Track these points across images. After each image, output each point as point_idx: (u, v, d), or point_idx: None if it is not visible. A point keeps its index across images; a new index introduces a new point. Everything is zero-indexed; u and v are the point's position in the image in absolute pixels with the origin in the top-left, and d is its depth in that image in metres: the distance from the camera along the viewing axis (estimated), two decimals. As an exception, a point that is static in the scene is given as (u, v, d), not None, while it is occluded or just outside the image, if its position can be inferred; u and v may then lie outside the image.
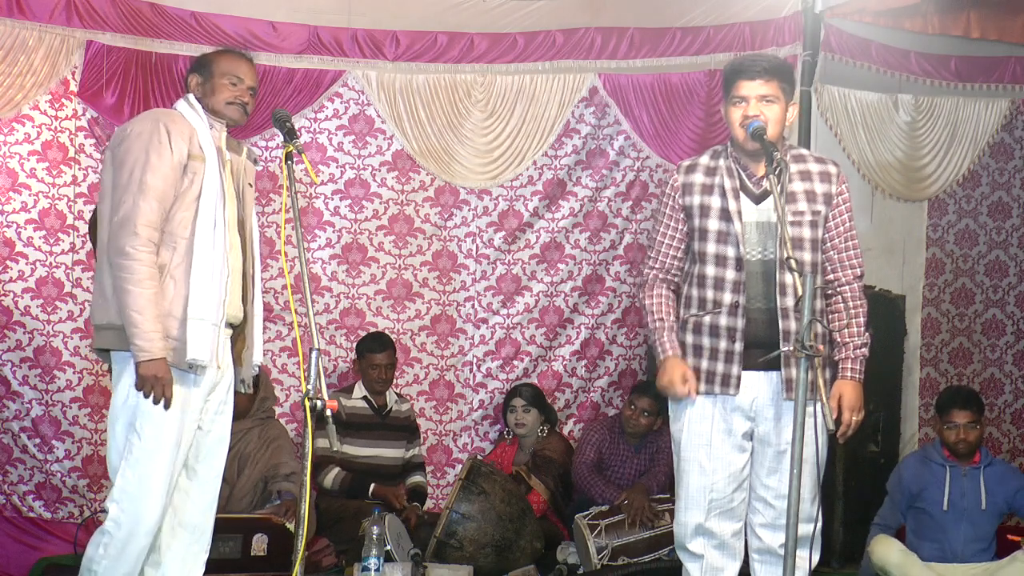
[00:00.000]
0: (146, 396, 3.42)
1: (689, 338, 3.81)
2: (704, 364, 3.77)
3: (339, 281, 6.10)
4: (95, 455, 5.62)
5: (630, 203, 6.25)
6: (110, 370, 3.69)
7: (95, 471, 5.62)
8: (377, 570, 4.58)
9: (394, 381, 5.97)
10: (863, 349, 3.78)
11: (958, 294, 6.49)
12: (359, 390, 5.84)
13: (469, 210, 6.20)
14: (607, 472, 5.71)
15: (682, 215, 3.84)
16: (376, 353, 5.80)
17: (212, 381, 3.61)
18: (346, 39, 5.91)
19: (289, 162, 3.44)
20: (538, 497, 5.70)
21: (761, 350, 3.69)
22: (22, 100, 5.46)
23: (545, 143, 6.14)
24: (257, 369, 3.82)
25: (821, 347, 3.43)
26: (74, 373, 5.62)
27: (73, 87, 5.59)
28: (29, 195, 5.57)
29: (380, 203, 6.13)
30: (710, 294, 3.76)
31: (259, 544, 4.82)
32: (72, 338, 5.61)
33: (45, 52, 5.46)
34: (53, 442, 5.58)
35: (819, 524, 3.69)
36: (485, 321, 6.24)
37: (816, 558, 3.71)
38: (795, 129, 5.72)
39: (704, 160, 3.86)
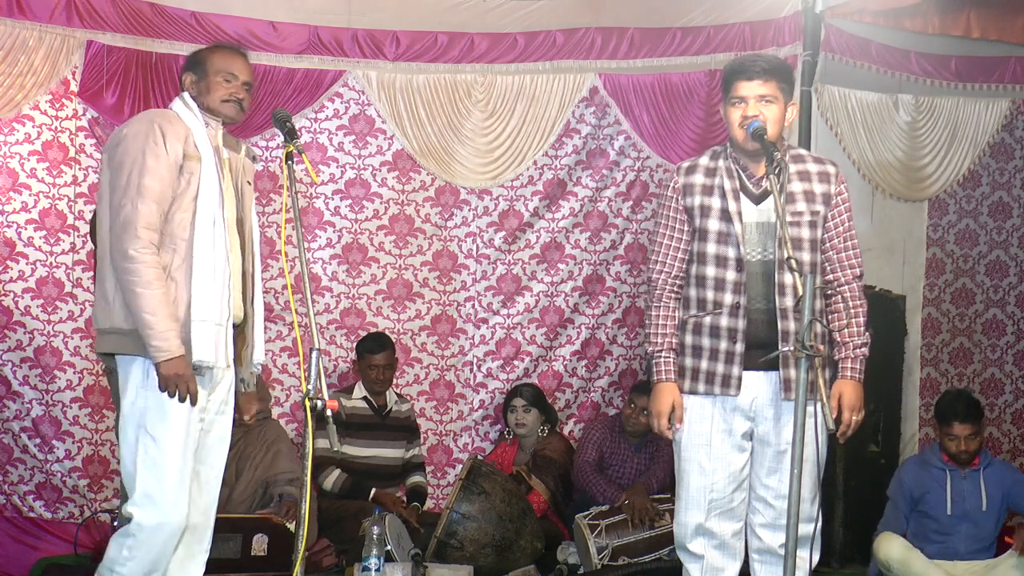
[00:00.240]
0: (171, 396, 3.41)
1: (689, 339, 3.81)
2: (704, 365, 3.77)
3: (339, 281, 6.10)
4: (95, 455, 5.63)
5: (630, 203, 6.25)
6: (108, 371, 3.69)
7: (95, 471, 5.63)
8: (377, 570, 4.58)
9: (394, 381, 5.98)
10: (863, 349, 3.78)
11: (958, 294, 6.49)
12: (359, 390, 5.84)
13: (469, 210, 6.20)
14: (608, 471, 5.71)
15: (685, 216, 3.83)
16: (374, 354, 5.80)
17: (215, 380, 3.61)
18: (346, 39, 5.91)
19: (289, 162, 3.43)
20: (538, 497, 5.70)
21: (761, 351, 3.69)
22: (22, 100, 5.46)
23: (545, 143, 6.14)
24: (259, 368, 3.81)
25: (821, 347, 3.43)
26: (74, 373, 5.62)
27: (73, 87, 5.59)
28: (29, 195, 5.57)
29: (380, 203, 6.13)
30: (710, 295, 3.76)
31: (259, 544, 4.82)
32: (72, 338, 5.61)
33: (45, 52, 5.46)
34: (53, 442, 5.58)
35: (819, 524, 3.69)
36: (485, 321, 6.24)
37: (816, 558, 3.70)
38: (795, 129, 5.72)
39: (704, 161, 3.86)
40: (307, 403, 3.13)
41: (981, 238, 6.52)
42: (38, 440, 5.57)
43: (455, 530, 5.13)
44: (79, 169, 5.62)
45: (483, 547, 5.15)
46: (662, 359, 3.81)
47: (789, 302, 3.66)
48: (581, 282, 6.27)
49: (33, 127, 5.57)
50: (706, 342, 3.76)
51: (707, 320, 3.76)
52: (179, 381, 3.40)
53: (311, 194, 6.05)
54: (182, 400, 3.42)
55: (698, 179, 3.81)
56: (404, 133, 6.06)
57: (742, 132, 3.67)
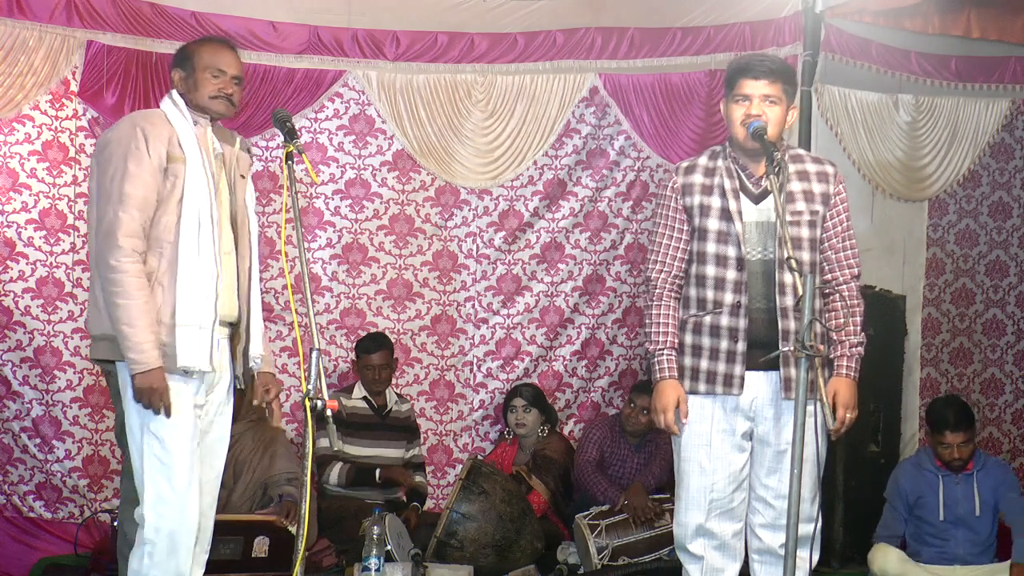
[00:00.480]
0: (145, 408, 3.41)
1: (689, 338, 3.81)
2: (704, 364, 3.77)
3: (339, 281, 6.10)
4: (95, 455, 5.63)
5: (630, 203, 6.25)
6: (106, 373, 3.69)
7: (95, 471, 5.63)
8: (377, 570, 4.58)
9: (394, 381, 5.98)
10: (859, 348, 3.79)
11: (958, 294, 6.49)
12: (359, 390, 5.84)
13: (469, 210, 6.20)
14: (608, 471, 5.72)
15: (684, 216, 3.83)
16: (370, 353, 5.80)
17: (210, 381, 3.61)
18: (346, 39, 5.91)
19: (289, 162, 3.41)
20: (538, 497, 5.70)
21: (761, 350, 3.69)
22: (22, 100, 5.46)
23: (545, 143, 6.14)
24: (258, 362, 3.77)
25: (821, 347, 3.43)
26: (74, 373, 5.62)
27: (73, 87, 5.59)
28: (29, 195, 5.57)
29: (380, 203, 6.13)
30: (710, 294, 3.76)
31: (260, 546, 4.82)
32: (72, 338, 5.61)
33: (45, 52, 5.46)
34: (53, 442, 5.57)
35: (819, 524, 3.70)
36: (485, 321, 6.24)
37: (816, 558, 3.71)
38: (795, 129, 5.73)
39: (702, 161, 3.86)
40: (307, 403, 3.13)
41: (981, 238, 6.52)
42: (38, 440, 5.57)
43: (455, 530, 5.13)
44: (79, 169, 5.62)
45: (483, 547, 5.15)
46: (663, 357, 3.81)
47: (790, 301, 3.67)
48: (581, 282, 6.27)
49: (33, 127, 5.57)
50: (706, 341, 3.76)
51: (707, 319, 3.76)
52: (152, 394, 3.39)
53: (311, 194, 6.05)
54: (156, 413, 3.41)
55: (697, 179, 3.82)
56: (404, 133, 6.06)
57: (743, 130, 3.68)
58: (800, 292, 3.25)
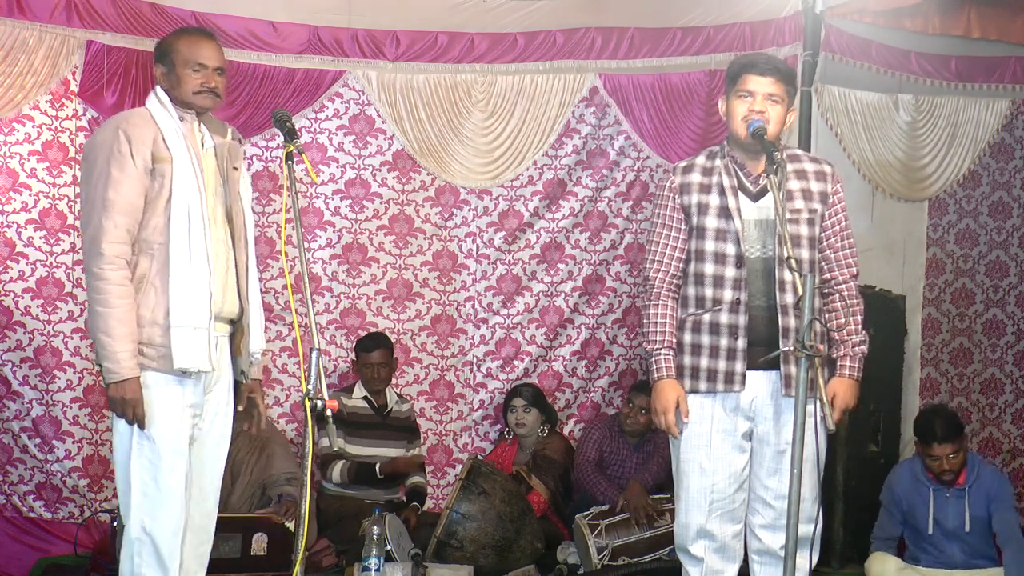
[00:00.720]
0: (119, 417, 3.41)
1: (688, 337, 3.80)
2: (704, 362, 3.76)
3: (339, 281, 6.10)
4: (95, 455, 5.62)
5: (630, 203, 6.25)
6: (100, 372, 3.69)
7: (95, 471, 5.62)
8: (377, 570, 4.58)
9: (394, 381, 5.98)
10: (862, 347, 3.79)
11: (958, 294, 6.48)
12: (359, 390, 5.85)
13: (469, 210, 6.20)
14: (607, 471, 5.72)
15: (682, 215, 3.83)
16: (369, 352, 5.80)
17: (208, 381, 3.59)
18: (346, 39, 5.91)
19: (289, 162, 3.39)
20: (538, 497, 5.70)
21: (761, 348, 3.69)
22: (22, 100, 5.46)
23: (545, 143, 6.14)
24: (258, 357, 3.76)
25: (821, 347, 3.43)
26: (74, 373, 5.61)
27: (73, 87, 5.58)
28: (29, 195, 5.57)
29: (380, 203, 6.13)
30: (709, 292, 3.76)
31: (259, 543, 4.82)
32: (72, 338, 5.61)
33: (45, 52, 5.45)
34: (53, 442, 5.57)
35: (819, 524, 3.69)
36: (485, 321, 6.24)
37: (816, 558, 3.70)
38: (795, 129, 5.72)
39: (700, 160, 3.87)
40: (307, 403, 3.13)
41: (981, 238, 6.51)
42: (38, 440, 5.57)
43: (455, 530, 5.13)
44: (79, 169, 5.61)
45: (483, 547, 5.15)
46: (661, 356, 3.80)
47: (790, 298, 3.67)
48: (581, 282, 6.27)
49: (33, 127, 5.56)
50: (706, 340, 3.76)
51: (706, 317, 3.76)
52: (126, 405, 3.38)
53: (311, 194, 6.05)
54: (130, 424, 3.41)
55: (695, 178, 3.82)
56: (404, 133, 6.06)
57: (744, 126, 3.68)
58: (800, 291, 3.26)
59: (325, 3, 5.88)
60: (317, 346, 3.18)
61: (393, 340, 5.98)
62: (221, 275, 3.57)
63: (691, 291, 3.82)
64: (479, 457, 5.63)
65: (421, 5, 5.94)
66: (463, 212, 6.20)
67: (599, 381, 6.33)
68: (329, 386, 5.82)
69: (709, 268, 3.76)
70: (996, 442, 6.52)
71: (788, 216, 3.72)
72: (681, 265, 3.84)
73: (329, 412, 3.15)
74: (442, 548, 5.12)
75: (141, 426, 3.42)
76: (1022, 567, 4.87)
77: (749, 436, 3.80)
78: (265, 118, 5.66)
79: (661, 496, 5.41)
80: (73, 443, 5.60)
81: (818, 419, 3.36)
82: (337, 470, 5.66)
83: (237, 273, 3.64)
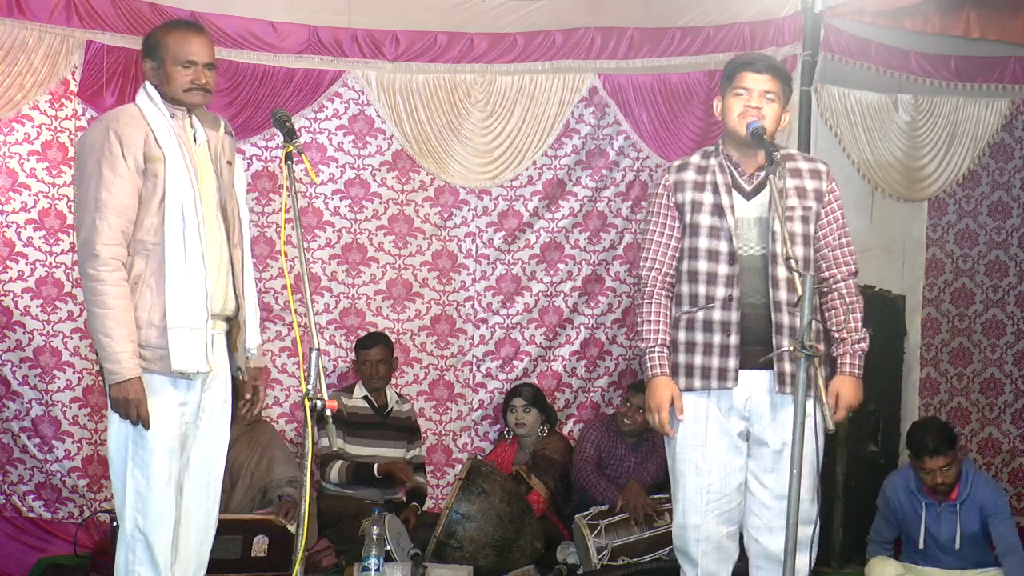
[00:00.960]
0: (123, 418, 3.41)
1: (682, 335, 3.81)
2: (698, 360, 3.76)
3: (339, 281, 6.10)
4: (95, 455, 5.62)
5: (630, 203, 6.25)
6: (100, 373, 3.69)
7: (95, 471, 5.62)
8: (377, 570, 4.58)
9: (393, 381, 5.98)
10: (862, 344, 3.78)
11: (958, 294, 6.48)
12: (359, 390, 5.85)
13: (469, 210, 6.20)
14: (606, 470, 5.72)
15: (675, 213, 3.84)
16: (368, 349, 5.81)
17: (204, 379, 3.58)
18: (346, 39, 5.91)
19: (289, 162, 3.38)
20: (538, 497, 5.70)
21: (756, 347, 3.69)
22: (22, 100, 5.45)
23: (545, 143, 6.14)
24: (254, 352, 3.75)
25: (820, 346, 3.43)
26: (74, 373, 5.61)
27: (73, 87, 5.58)
28: (29, 195, 5.57)
29: (380, 203, 6.12)
30: (702, 289, 3.77)
31: (259, 545, 4.82)
32: (72, 338, 5.61)
33: (45, 52, 5.45)
34: (53, 442, 5.57)
35: (818, 525, 3.69)
36: (485, 321, 6.24)
37: (814, 559, 3.70)
38: (794, 129, 5.73)
39: (695, 159, 3.89)
40: (307, 403, 3.13)
41: (981, 238, 6.51)
42: (37, 440, 5.56)
43: (455, 530, 5.13)
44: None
45: (483, 547, 5.15)
46: (655, 354, 3.81)
47: (783, 295, 3.68)
48: (580, 282, 6.27)
49: (33, 127, 5.56)
50: (699, 337, 3.76)
51: (700, 315, 3.77)
52: (129, 405, 3.38)
53: (311, 194, 6.04)
54: (134, 424, 3.40)
55: (689, 176, 3.83)
56: (403, 133, 6.06)
57: (740, 122, 3.69)
58: (800, 291, 3.26)
59: (325, 3, 5.88)
60: (317, 346, 3.18)
61: (393, 340, 5.98)
62: (216, 273, 3.56)
63: (685, 289, 3.82)
64: (479, 457, 5.63)
65: (421, 5, 5.94)
66: (462, 212, 6.20)
67: (598, 381, 6.33)
68: (329, 386, 5.83)
69: (702, 265, 3.77)
70: (995, 442, 6.52)
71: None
72: (675, 263, 3.85)
73: (329, 412, 3.15)
74: (442, 548, 5.12)
75: (146, 426, 3.41)
76: None
77: (746, 436, 3.79)
78: (264, 118, 5.66)
79: (660, 496, 5.40)
80: (73, 443, 5.60)
81: (817, 419, 3.36)
82: (335, 470, 5.66)
83: (233, 269, 3.62)
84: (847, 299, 3.80)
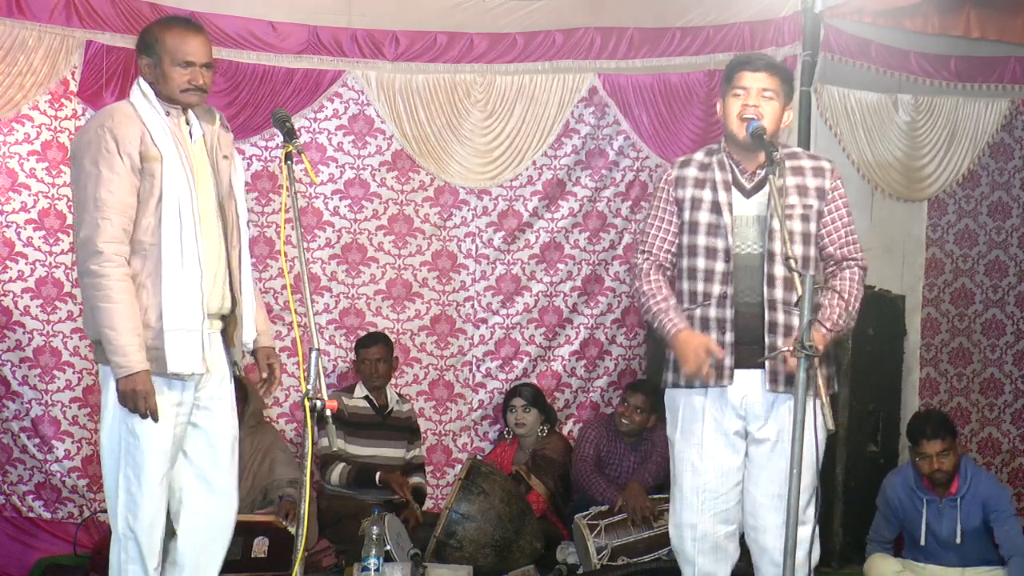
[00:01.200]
0: (131, 412, 3.39)
1: None
2: None
3: (339, 281, 6.10)
4: (95, 455, 5.61)
5: (629, 203, 6.25)
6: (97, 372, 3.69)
7: (95, 471, 5.61)
8: (377, 570, 4.58)
9: (393, 381, 5.98)
10: (847, 320, 3.67)
11: (958, 294, 6.48)
12: (360, 390, 5.85)
13: (469, 210, 6.20)
14: (605, 470, 5.72)
15: (675, 208, 3.85)
16: (367, 347, 5.82)
17: (203, 378, 3.57)
18: (346, 39, 5.91)
19: (289, 162, 3.37)
20: (538, 497, 5.70)
21: (751, 346, 3.69)
22: (22, 100, 5.45)
23: (544, 143, 6.14)
24: (251, 346, 3.72)
25: (820, 347, 3.42)
26: (74, 373, 5.61)
27: (73, 87, 5.58)
28: (29, 195, 5.56)
29: (380, 203, 6.12)
30: (700, 287, 3.77)
31: (260, 546, 4.81)
32: (72, 338, 5.61)
33: (45, 52, 5.45)
34: (53, 442, 5.57)
35: (816, 526, 3.69)
36: (485, 321, 6.23)
37: (815, 558, 3.70)
38: (794, 129, 5.72)
39: (698, 156, 3.90)
40: (307, 403, 3.12)
41: (980, 238, 6.51)
42: (37, 440, 5.56)
43: (454, 530, 5.13)
44: (77, 169, 5.61)
45: (482, 547, 5.15)
46: (670, 314, 3.73)
47: (779, 294, 3.68)
48: (580, 282, 6.27)
49: (32, 127, 5.56)
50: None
51: (697, 312, 3.77)
52: (137, 398, 3.37)
53: (310, 194, 6.04)
54: (143, 417, 3.39)
55: (691, 172, 3.84)
56: (403, 133, 6.06)
57: (739, 123, 3.68)
58: (799, 291, 3.25)
59: (325, 3, 5.88)
60: (316, 346, 3.18)
61: (392, 340, 5.98)
62: (214, 272, 3.55)
63: (684, 287, 3.83)
64: (478, 457, 5.63)
65: (420, 5, 5.94)
66: (462, 212, 6.20)
67: (598, 381, 6.33)
68: (329, 386, 5.82)
69: (700, 263, 3.77)
70: (995, 442, 6.52)
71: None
72: (670, 256, 3.85)
73: (329, 412, 3.14)
74: (441, 548, 5.12)
75: (155, 418, 3.40)
76: None
77: (743, 435, 3.79)
78: (264, 118, 5.66)
79: (660, 496, 5.40)
80: (72, 443, 5.60)
81: (817, 419, 3.35)
82: (336, 473, 5.66)
83: (230, 266, 3.61)
84: (848, 282, 3.73)
